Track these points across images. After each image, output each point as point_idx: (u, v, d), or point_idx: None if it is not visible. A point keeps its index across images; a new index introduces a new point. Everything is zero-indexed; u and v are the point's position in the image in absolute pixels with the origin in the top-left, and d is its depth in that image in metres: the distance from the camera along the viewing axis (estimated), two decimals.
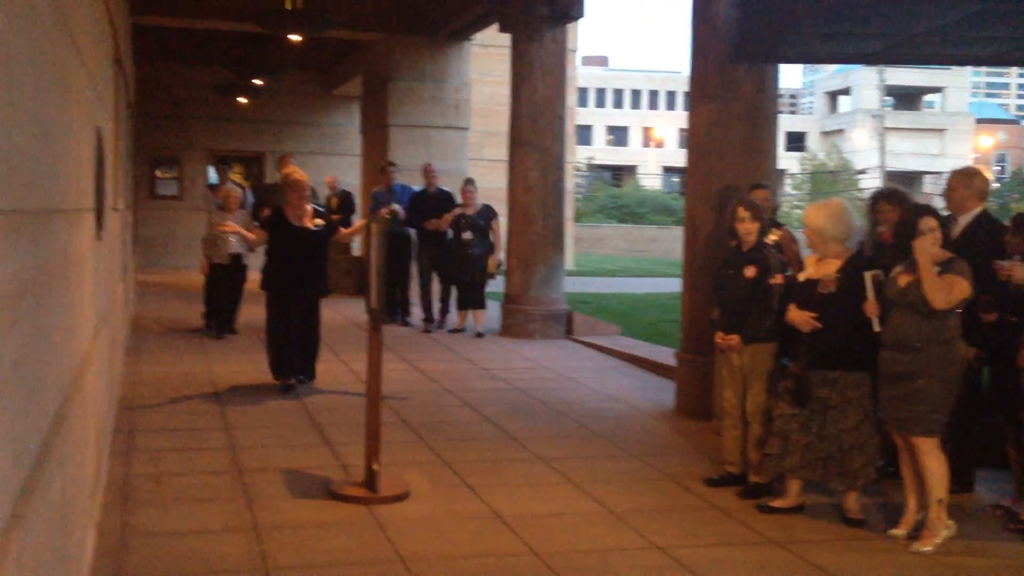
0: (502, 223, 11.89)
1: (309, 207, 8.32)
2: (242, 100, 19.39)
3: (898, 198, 5.93)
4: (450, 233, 11.75)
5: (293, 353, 8.29)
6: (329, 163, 19.60)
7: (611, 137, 76.21)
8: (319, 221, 8.28)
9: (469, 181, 11.82)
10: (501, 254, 11.86)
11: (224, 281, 11.02)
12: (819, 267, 5.34)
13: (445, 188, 12.25)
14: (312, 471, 6.02)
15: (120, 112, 8.14)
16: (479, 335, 11.62)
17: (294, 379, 8.31)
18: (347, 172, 18.70)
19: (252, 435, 6.89)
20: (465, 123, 15.67)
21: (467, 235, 11.51)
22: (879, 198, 6.09)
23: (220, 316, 11.19)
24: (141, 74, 17.45)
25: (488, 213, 11.65)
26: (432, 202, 11.99)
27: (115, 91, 7.15)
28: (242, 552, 4.68)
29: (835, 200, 5.52)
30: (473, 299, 11.88)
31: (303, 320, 8.33)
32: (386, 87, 15.21)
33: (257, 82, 18.36)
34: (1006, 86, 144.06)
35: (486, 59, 19.39)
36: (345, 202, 14.37)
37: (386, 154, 14.70)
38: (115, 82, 7.21)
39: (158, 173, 20.55)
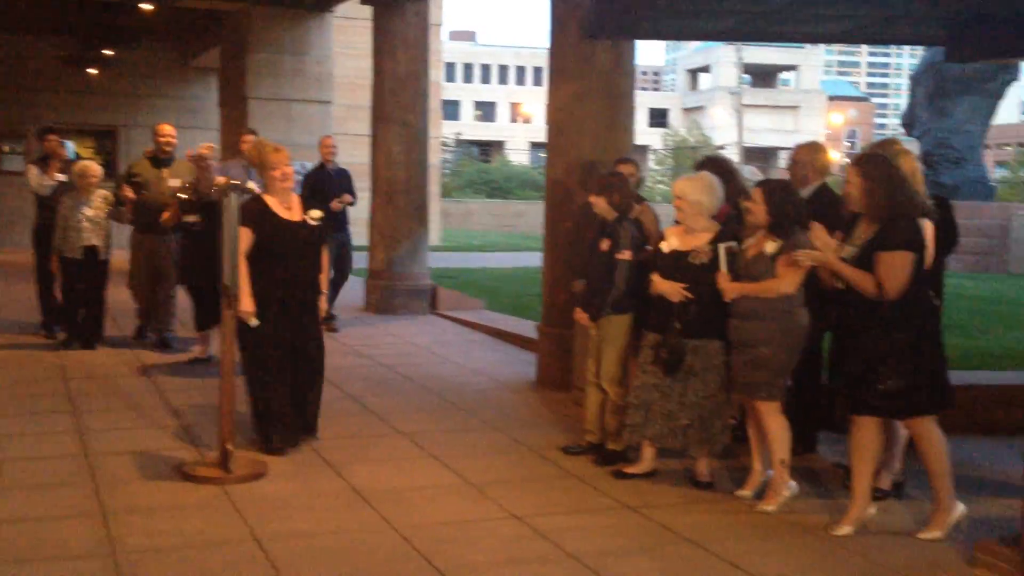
0: (365, 198, 11.59)
1: (296, 194, 6.22)
2: (92, 71, 18.68)
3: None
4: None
5: (288, 406, 5.98)
6: (187, 137, 18.99)
7: (479, 112, 76.34)
8: (316, 213, 6.13)
9: (200, 157, 8.48)
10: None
11: (77, 280, 8.91)
12: (687, 239, 5.45)
13: (342, 166, 10.79)
14: (165, 453, 5.87)
15: None
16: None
17: (283, 441, 5.92)
18: None
19: (102, 418, 6.68)
20: (328, 97, 15.43)
21: (192, 219, 8.30)
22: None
23: (70, 323, 9.14)
24: None
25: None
26: (331, 180, 10.46)
27: None
28: (89, 537, 4.54)
29: (704, 174, 5.61)
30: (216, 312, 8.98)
31: (303, 353, 6.08)
32: (245, 59, 14.84)
33: (108, 52, 17.71)
34: (857, 64, 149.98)
35: (350, 32, 19.08)
36: None
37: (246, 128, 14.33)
38: None
39: (5, 148, 19.63)
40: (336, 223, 10.18)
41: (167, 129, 9.42)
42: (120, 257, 9.57)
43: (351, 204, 10.50)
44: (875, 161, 4.81)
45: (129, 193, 9.12)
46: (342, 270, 10.57)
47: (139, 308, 9.52)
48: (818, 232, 4.91)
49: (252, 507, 4.96)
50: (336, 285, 10.43)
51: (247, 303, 5.79)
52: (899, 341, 4.61)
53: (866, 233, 4.75)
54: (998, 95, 21.18)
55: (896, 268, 4.57)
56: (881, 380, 4.64)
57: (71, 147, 10.96)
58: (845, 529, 4.78)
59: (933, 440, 4.75)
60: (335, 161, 10.62)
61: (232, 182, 8.08)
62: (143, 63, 19.59)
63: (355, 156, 17.86)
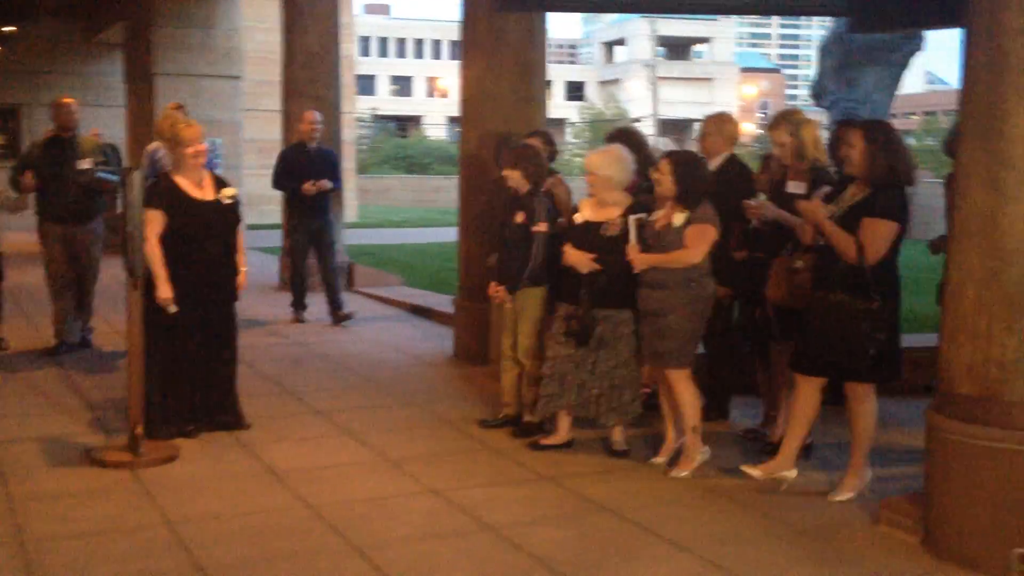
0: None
1: (208, 172, 5.95)
2: None
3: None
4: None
5: (197, 391, 5.85)
6: (92, 115, 18.49)
7: (395, 87, 75.60)
8: (231, 191, 5.92)
9: None
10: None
11: None
12: (599, 211, 5.48)
13: (326, 147, 9.90)
14: (73, 439, 5.73)
15: None
16: None
17: (192, 425, 5.79)
18: (111, 125, 17.71)
19: (5, 404, 6.49)
20: (237, 72, 15.14)
21: None
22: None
23: None
24: None
25: None
26: (313, 161, 9.48)
27: None
28: None
29: (614, 147, 5.64)
30: None
31: (216, 339, 5.92)
32: (150, 33, 14.47)
33: (8, 29, 17.15)
34: (768, 36, 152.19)
35: (260, 5, 18.71)
36: (112, 157, 13.51)
37: (153, 105, 14.01)
38: None
39: None
40: (310, 209, 9.42)
41: (70, 103, 8.21)
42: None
43: (330, 190, 9.51)
44: (881, 127, 4.77)
45: (30, 181, 7.80)
46: (325, 262, 9.65)
47: (56, 316, 8.12)
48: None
49: (163, 491, 4.88)
50: (326, 281, 9.71)
51: (165, 290, 5.59)
52: (876, 308, 4.60)
53: (855, 197, 4.75)
54: (903, 65, 21.62)
55: (879, 235, 4.60)
56: (863, 343, 4.61)
57: None
58: (755, 472, 4.89)
59: (868, 407, 4.82)
60: (318, 140, 9.58)
61: None
62: (45, 39, 18.97)
63: (269, 132, 17.57)
